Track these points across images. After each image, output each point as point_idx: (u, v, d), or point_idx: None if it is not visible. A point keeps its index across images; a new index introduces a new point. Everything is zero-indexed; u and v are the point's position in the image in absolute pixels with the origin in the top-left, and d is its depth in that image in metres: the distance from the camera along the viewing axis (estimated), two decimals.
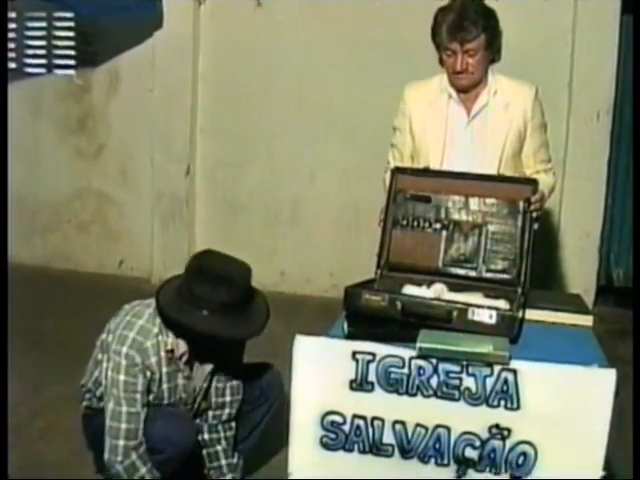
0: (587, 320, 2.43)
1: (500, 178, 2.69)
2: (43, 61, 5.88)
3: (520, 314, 2.21)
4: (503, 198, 2.53)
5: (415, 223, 2.58)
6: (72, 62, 5.87)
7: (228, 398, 2.76)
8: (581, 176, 5.07)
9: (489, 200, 2.53)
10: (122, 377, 2.49)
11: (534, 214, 2.54)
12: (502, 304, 2.25)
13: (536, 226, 2.57)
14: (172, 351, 2.56)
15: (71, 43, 5.83)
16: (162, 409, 2.60)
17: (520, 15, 4.69)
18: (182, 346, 2.57)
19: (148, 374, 2.53)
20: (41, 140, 6.03)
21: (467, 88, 2.82)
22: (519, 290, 2.40)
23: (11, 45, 5.64)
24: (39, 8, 5.66)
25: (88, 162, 6.03)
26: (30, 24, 5.80)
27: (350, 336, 2.11)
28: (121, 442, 2.48)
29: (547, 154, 2.94)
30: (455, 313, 2.13)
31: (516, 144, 2.83)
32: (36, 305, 4.91)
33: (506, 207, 2.52)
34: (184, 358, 2.60)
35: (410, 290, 2.36)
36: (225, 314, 2.45)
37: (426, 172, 2.71)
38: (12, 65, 5.70)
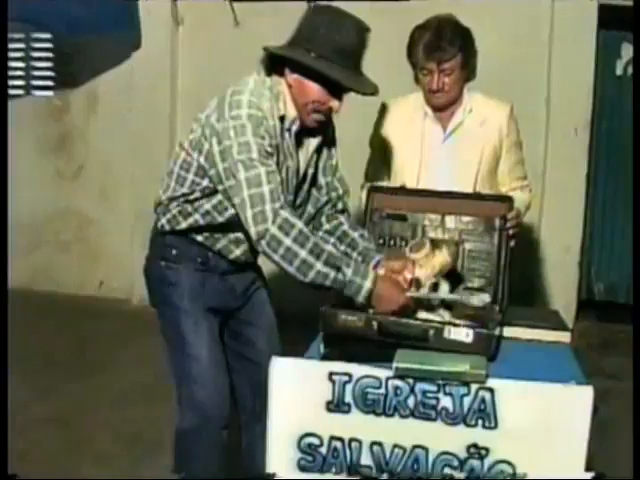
0: (565, 337, 2.43)
1: (476, 196, 2.70)
2: (21, 82, 5.85)
3: (497, 332, 2.20)
4: (479, 216, 2.53)
5: (392, 242, 2.58)
6: (50, 83, 5.84)
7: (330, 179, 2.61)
8: (560, 191, 5.09)
9: (465, 218, 2.54)
10: (250, 138, 2.22)
11: (510, 231, 2.55)
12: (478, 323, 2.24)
13: (512, 243, 2.58)
14: (282, 118, 2.32)
15: (49, 64, 5.81)
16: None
17: (496, 30, 4.73)
18: (292, 111, 2.33)
19: (272, 140, 2.27)
20: (20, 160, 5.97)
21: (443, 107, 2.83)
22: (496, 308, 2.40)
23: None
24: (16, 29, 5.62)
25: (68, 182, 6.01)
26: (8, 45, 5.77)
27: (326, 357, 2.10)
28: (267, 206, 2.19)
29: (523, 171, 2.95)
30: (431, 332, 2.12)
31: (492, 161, 2.84)
32: (18, 327, 4.86)
33: (482, 225, 2.53)
34: (294, 127, 2.35)
35: None
36: (339, 62, 2.22)
37: (402, 190, 2.71)
38: None
